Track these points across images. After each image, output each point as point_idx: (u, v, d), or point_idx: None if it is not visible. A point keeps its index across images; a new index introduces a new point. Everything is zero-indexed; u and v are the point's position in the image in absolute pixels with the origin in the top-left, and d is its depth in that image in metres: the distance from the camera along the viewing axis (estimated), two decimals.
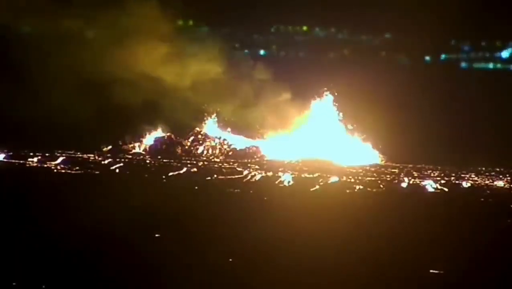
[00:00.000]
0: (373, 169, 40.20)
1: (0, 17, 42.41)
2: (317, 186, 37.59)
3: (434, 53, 48.06)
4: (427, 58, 48.06)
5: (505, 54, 47.86)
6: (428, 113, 45.57)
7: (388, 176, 39.25)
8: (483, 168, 41.39)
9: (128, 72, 43.01)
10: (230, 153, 43.20)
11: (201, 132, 44.20)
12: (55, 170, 38.77)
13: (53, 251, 23.61)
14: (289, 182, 38.04)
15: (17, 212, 29.24)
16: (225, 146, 43.59)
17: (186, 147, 43.60)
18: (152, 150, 43.18)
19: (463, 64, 48.02)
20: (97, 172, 38.65)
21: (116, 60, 42.98)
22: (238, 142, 44.28)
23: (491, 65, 47.92)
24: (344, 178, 38.31)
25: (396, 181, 38.72)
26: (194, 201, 33.99)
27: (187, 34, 45.13)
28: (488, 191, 38.15)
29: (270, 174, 38.77)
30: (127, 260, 23.12)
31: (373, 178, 38.63)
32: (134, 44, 43.56)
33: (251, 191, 36.30)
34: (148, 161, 40.55)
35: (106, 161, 39.84)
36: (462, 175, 39.92)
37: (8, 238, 25.09)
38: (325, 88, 45.21)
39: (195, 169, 39.32)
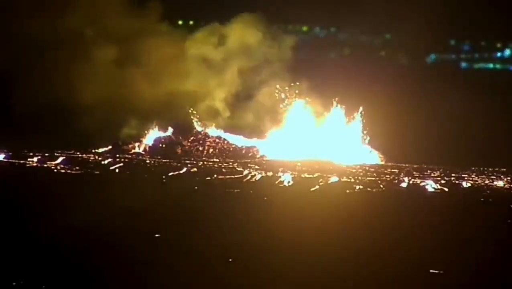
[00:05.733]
0: (373, 169, 40.20)
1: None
2: (317, 186, 37.59)
3: (435, 53, 48.06)
4: (428, 58, 48.06)
5: (505, 54, 47.86)
6: (429, 113, 45.58)
7: (388, 176, 39.25)
8: (483, 168, 41.40)
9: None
10: (230, 153, 43.21)
11: (201, 132, 44.22)
12: (55, 170, 38.78)
13: (53, 251, 23.61)
14: (289, 182, 38.03)
15: (17, 212, 29.24)
16: (225, 146, 43.62)
17: (186, 147, 43.61)
18: (152, 150, 43.18)
19: (464, 64, 48.03)
20: (97, 172, 38.66)
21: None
22: (238, 142, 44.30)
23: (491, 65, 47.93)
24: (344, 178, 38.31)
25: (396, 181, 38.72)
26: (194, 201, 33.99)
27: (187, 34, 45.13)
28: (488, 191, 38.15)
29: (270, 174, 38.76)
30: (127, 260, 23.12)
31: (373, 178, 38.63)
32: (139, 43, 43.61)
33: (251, 191, 36.29)
34: (148, 161, 40.55)
35: (106, 161, 39.84)
36: (462, 175, 39.92)
37: (8, 238, 25.09)
38: (324, 88, 45.25)
39: (195, 169, 39.31)
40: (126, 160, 40.47)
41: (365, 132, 44.51)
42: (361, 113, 44.57)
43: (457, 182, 39.00)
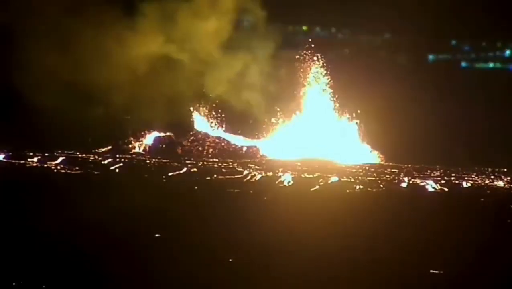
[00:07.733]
0: (373, 169, 40.18)
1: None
2: (317, 186, 37.55)
3: (435, 53, 48.06)
4: (427, 57, 48.07)
5: (505, 53, 47.86)
6: (428, 112, 45.58)
7: (388, 176, 39.22)
8: (483, 168, 41.39)
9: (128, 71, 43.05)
10: (230, 153, 43.20)
11: (201, 132, 44.22)
12: (55, 170, 38.74)
13: (53, 251, 23.60)
14: (289, 182, 37.99)
15: (16, 212, 29.23)
16: (225, 146, 43.61)
17: (186, 147, 43.60)
18: (152, 150, 43.16)
19: (464, 64, 48.04)
20: (97, 172, 38.62)
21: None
22: (238, 142, 44.28)
23: (491, 65, 47.93)
24: (344, 178, 38.26)
25: (396, 181, 38.68)
26: (194, 201, 33.98)
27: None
28: (488, 191, 38.11)
29: (270, 174, 38.74)
30: (127, 261, 23.11)
31: (373, 178, 38.60)
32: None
33: (251, 191, 36.27)
34: (148, 161, 40.53)
35: (106, 161, 39.81)
36: (462, 175, 39.90)
37: (7, 238, 25.08)
38: (325, 88, 45.29)
39: (195, 169, 39.28)
40: (126, 160, 40.45)
41: (364, 131, 44.51)
42: (361, 113, 44.59)
43: (457, 182, 38.96)
